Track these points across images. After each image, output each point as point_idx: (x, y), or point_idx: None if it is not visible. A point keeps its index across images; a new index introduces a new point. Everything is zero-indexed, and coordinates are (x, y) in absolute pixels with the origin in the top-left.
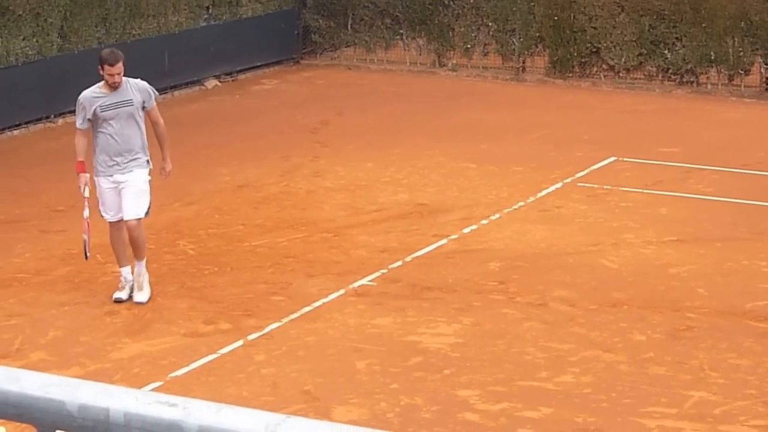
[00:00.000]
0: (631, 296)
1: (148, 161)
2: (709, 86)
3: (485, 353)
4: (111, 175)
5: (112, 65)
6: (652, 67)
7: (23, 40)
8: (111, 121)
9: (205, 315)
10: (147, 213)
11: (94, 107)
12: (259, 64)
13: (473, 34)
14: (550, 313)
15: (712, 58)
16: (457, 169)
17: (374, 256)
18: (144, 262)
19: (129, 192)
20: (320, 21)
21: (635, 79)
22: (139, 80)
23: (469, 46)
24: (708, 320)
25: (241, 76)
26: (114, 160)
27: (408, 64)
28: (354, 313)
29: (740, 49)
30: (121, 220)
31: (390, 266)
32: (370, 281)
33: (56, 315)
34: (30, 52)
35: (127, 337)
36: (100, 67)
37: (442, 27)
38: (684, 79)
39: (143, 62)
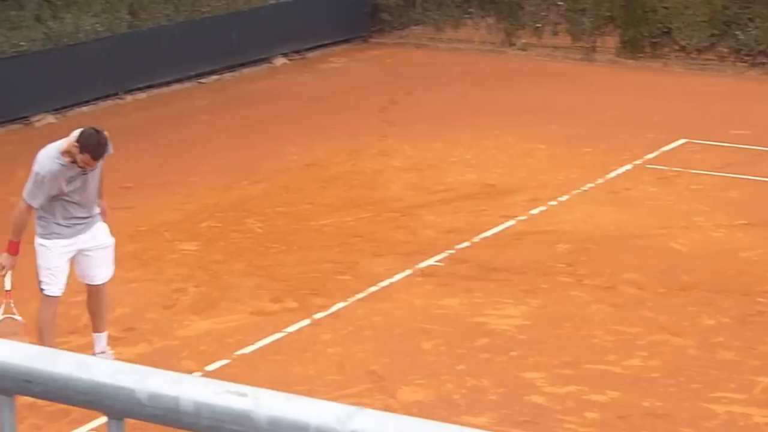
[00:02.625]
0: (700, 280)
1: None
2: None
3: (552, 336)
4: (69, 237)
5: (95, 159)
6: (723, 48)
7: (93, 16)
8: (77, 193)
9: (272, 293)
10: None
11: (60, 185)
12: (327, 42)
13: (543, 13)
14: (619, 296)
15: None
16: (526, 150)
17: (442, 236)
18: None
19: (101, 253)
20: None
21: (707, 60)
22: None
23: (539, 25)
24: None
25: (310, 54)
26: (79, 221)
27: (477, 43)
28: (421, 294)
29: None
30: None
31: (457, 247)
32: (437, 261)
33: (124, 292)
34: (99, 29)
35: (194, 314)
36: (77, 145)
37: (512, 6)
38: (756, 61)
39: (212, 40)
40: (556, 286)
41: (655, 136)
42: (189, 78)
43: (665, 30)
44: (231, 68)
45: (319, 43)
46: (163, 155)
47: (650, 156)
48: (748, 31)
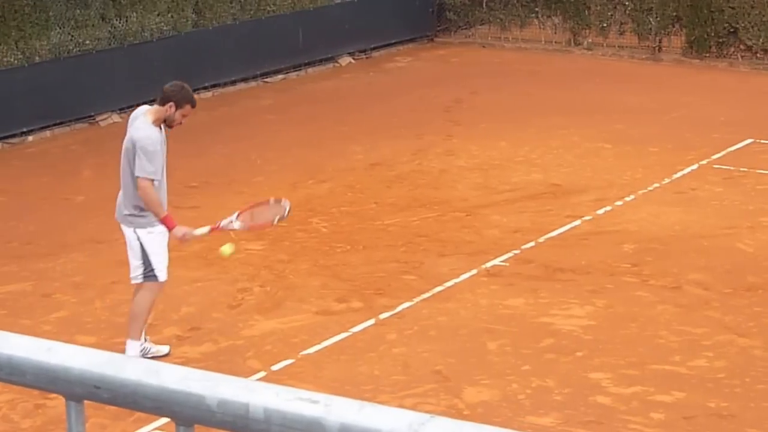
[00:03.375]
0: (766, 281)
1: None
2: None
3: (618, 336)
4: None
5: (194, 107)
6: None
7: (158, 15)
8: (164, 163)
9: (336, 293)
10: None
11: (163, 152)
12: (393, 41)
13: (609, 13)
14: (684, 297)
15: None
16: (592, 149)
17: (507, 236)
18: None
19: None
20: None
21: None
22: None
23: (605, 24)
24: None
25: (375, 54)
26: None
27: (543, 42)
28: (486, 294)
29: None
30: None
31: (523, 247)
32: (502, 261)
33: (189, 291)
34: (165, 28)
35: (258, 314)
36: (174, 103)
37: (578, 5)
38: None
39: (277, 39)
40: (622, 286)
41: (721, 136)
42: (254, 77)
43: (731, 30)
44: (296, 67)
45: (384, 43)
46: (228, 155)
47: (716, 156)
48: None
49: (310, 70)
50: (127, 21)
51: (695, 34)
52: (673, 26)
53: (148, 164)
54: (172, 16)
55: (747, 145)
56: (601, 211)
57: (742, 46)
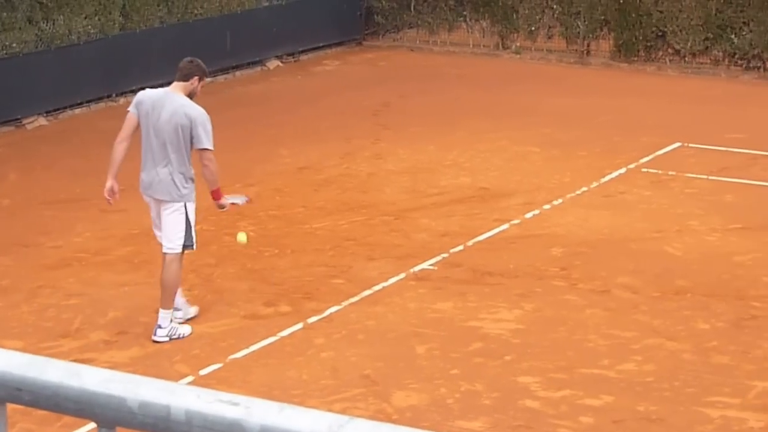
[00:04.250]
0: (695, 284)
1: None
2: None
3: (546, 340)
4: None
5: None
6: (718, 51)
7: (85, 18)
8: None
9: (265, 297)
10: None
11: None
12: (321, 44)
13: (537, 17)
14: (613, 300)
15: None
16: (520, 153)
17: (435, 240)
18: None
19: None
20: (383, 2)
21: (701, 63)
22: None
23: (533, 28)
24: None
25: (303, 57)
26: None
27: (471, 46)
28: (414, 298)
29: None
30: None
31: (451, 250)
32: (430, 265)
33: (116, 295)
34: (92, 31)
35: (186, 318)
36: (198, 78)
37: (506, 9)
38: (751, 65)
39: (205, 42)
40: (551, 290)
41: (650, 139)
42: None
43: (660, 33)
44: (224, 71)
45: (312, 46)
46: None
47: (645, 160)
48: (743, 35)
49: (237, 73)
50: (54, 24)
51: (623, 38)
52: (602, 30)
53: (210, 136)
54: (99, 19)
55: (675, 148)
56: (529, 215)
57: (670, 50)
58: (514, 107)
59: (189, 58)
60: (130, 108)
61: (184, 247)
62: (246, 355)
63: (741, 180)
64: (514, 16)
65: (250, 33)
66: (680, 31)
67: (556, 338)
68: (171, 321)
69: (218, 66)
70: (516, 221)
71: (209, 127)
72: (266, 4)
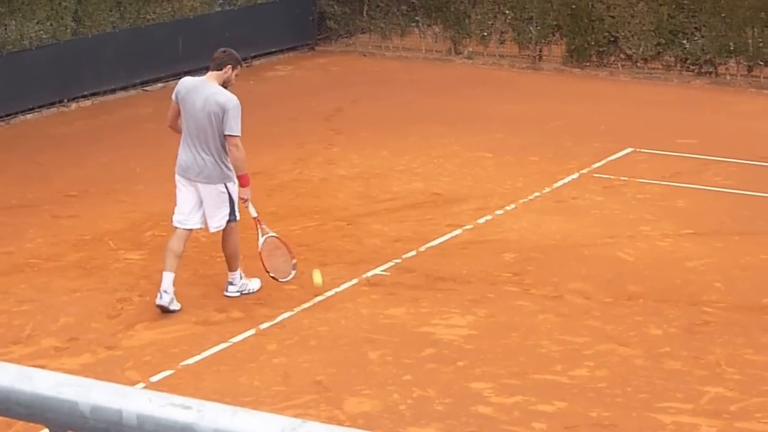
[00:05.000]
0: (647, 289)
1: None
2: (728, 77)
3: (499, 345)
4: None
5: (242, 67)
6: (670, 57)
7: (37, 23)
8: None
9: (217, 303)
10: None
11: None
12: (273, 50)
13: (490, 22)
14: (565, 306)
15: (732, 48)
16: (473, 159)
17: (388, 245)
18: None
19: None
20: (335, 7)
21: (653, 69)
22: None
23: (485, 33)
24: (725, 315)
25: (256, 62)
26: None
27: (423, 51)
28: (367, 303)
29: (760, 39)
30: None
31: (403, 256)
32: (383, 271)
33: (68, 301)
34: (44, 36)
35: (138, 324)
36: (231, 66)
37: (459, 14)
38: (702, 70)
39: (157, 47)
40: (503, 295)
41: (602, 145)
42: (134, 86)
43: (612, 39)
44: (176, 76)
45: (265, 51)
46: (108, 163)
47: (597, 165)
48: (695, 40)
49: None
50: (5, 29)
51: (575, 44)
52: (554, 35)
53: (239, 123)
54: (51, 24)
55: (627, 154)
56: (482, 220)
57: (622, 56)
58: (466, 112)
59: (222, 49)
60: (172, 95)
61: (229, 221)
62: (198, 361)
63: (693, 185)
64: (467, 21)
65: (203, 38)
66: (632, 36)
67: (509, 344)
68: (242, 277)
69: (170, 71)
70: (469, 226)
71: (237, 113)
72: (219, 9)
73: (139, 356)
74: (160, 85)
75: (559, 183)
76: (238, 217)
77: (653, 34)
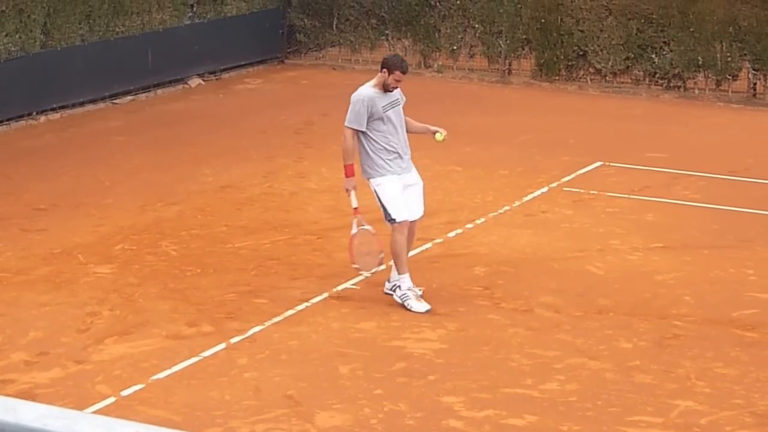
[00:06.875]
0: (617, 303)
1: None
2: (697, 91)
3: (470, 359)
4: (400, 174)
5: (404, 73)
6: (639, 71)
7: (6, 36)
8: (392, 120)
9: (187, 317)
10: None
11: (378, 106)
12: (243, 63)
13: (459, 36)
14: (536, 320)
15: (700, 62)
16: (442, 173)
17: None
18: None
19: (418, 191)
20: (305, 20)
21: (622, 83)
22: None
23: (455, 47)
24: (695, 328)
25: (225, 75)
26: (401, 158)
27: None
28: (337, 317)
29: (728, 54)
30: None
31: (373, 270)
32: (353, 285)
33: (37, 315)
34: (12, 49)
35: (108, 338)
36: (386, 70)
37: (428, 28)
38: (671, 84)
39: (126, 60)
40: (474, 309)
41: (571, 158)
42: (103, 99)
43: (581, 53)
44: (145, 89)
45: (234, 64)
46: (77, 177)
47: (566, 179)
48: (663, 54)
49: (159, 91)
50: None
51: (545, 57)
52: (523, 49)
53: (350, 114)
54: (20, 37)
55: (596, 167)
56: (452, 234)
57: (591, 69)
58: (435, 126)
59: (390, 56)
60: None
61: (389, 221)
62: (168, 375)
63: (662, 199)
64: (436, 35)
65: (172, 51)
66: (601, 50)
67: (480, 358)
68: (409, 288)
69: (139, 84)
70: (439, 240)
71: (352, 105)
72: (188, 22)
73: (109, 370)
74: (129, 98)
75: (529, 197)
76: (397, 219)
77: (622, 48)
